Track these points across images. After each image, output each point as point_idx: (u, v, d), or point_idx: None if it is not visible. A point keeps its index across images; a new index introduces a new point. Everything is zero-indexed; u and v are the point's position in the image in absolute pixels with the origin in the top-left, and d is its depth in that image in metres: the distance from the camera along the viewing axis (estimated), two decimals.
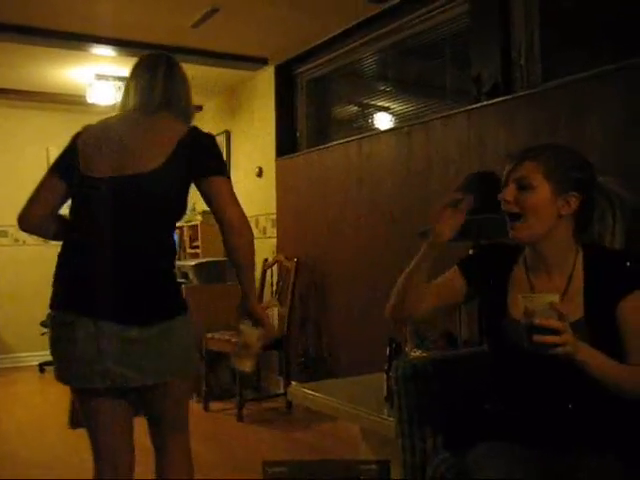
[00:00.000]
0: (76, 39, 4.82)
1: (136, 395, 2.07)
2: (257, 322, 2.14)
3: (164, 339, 1.98)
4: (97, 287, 1.95)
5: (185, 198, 2.11)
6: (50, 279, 2.11)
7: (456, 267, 1.95)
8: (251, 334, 2.12)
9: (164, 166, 1.97)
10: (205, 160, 2.05)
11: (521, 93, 3.26)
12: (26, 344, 6.55)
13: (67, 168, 2.10)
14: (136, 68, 2.21)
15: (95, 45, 4.91)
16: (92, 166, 2.03)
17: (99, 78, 5.63)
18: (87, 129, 2.19)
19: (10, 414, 4.95)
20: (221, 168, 2.09)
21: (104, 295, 1.93)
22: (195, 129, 2.10)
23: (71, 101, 6.27)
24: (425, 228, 2.70)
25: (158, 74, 2.13)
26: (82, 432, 2.15)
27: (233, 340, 4.61)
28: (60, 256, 2.10)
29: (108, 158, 2.01)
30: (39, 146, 6.74)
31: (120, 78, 5.63)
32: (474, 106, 3.48)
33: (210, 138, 2.12)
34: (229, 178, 2.09)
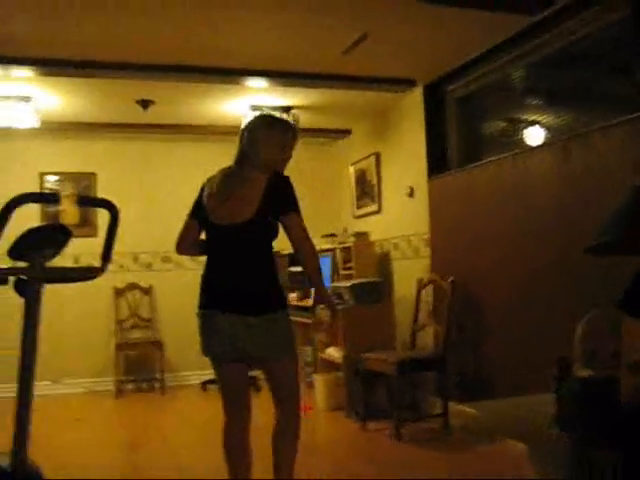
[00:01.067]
0: (232, 74, 5.09)
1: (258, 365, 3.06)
2: (327, 307, 3.06)
3: (271, 324, 2.86)
4: (228, 292, 2.90)
5: (276, 226, 2.96)
6: None
7: None
8: (323, 314, 3.06)
9: (256, 214, 2.88)
10: (283, 201, 2.95)
11: None
12: (189, 363, 6.91)
13: (198, 214, 3.10)
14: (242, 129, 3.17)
15: (249, 78, 5.15)
16: (214, 215, 2.99)
17: (254, 109, 5.89)
18: (209, 180, 3.18)
19: (177, 430, 5.24)
20: (296, 205, 2.96)
21: (233, 297, 2.88)
22: (274, 175, 3.01)
23: (229, 132, 6.60)
24: (593, 243, 2.61)
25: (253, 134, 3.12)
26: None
27: (374, 357, 4.65)
28: (204, 274, 3.02)
29: (222, 210, 2.96)
30: (200, 175, 7.14)
31: (274, 107, 5.88)
32: (638, 114, 3.33)
33: (286, 181, 3.04)
34: (300, 212, 2.96)
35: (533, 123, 4.68)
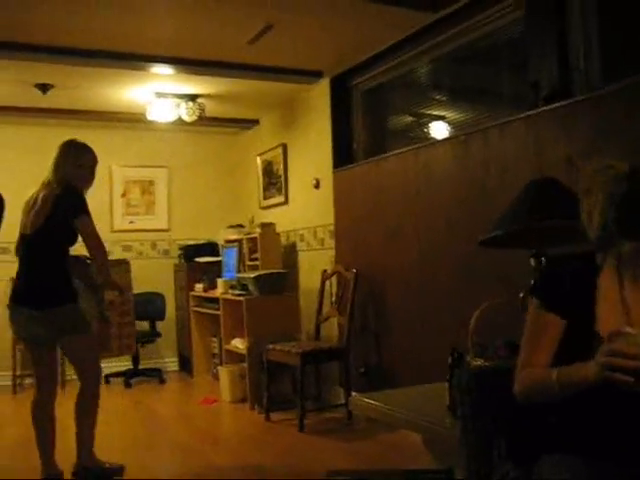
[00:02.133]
0: (136, 59, 4.96)
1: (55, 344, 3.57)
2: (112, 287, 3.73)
3: (57, 316, 3.40)
4: (22, 290, 3.50)
5: (68, 231, 3.47)
6: None
7: (545, 313, 1.77)
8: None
9: (45, 222, 3.46)
10: (71, 208, 3.48)
11: (580, 97, 3.21)
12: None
13: None
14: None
15: (154, 64, 5.03)
16: (21, 226, 3.60)
17: (159, 96, 5.78)
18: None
19: None
20: (82, 210, 3.48)
21: (24, 294, 3.47)
22: (64, 188, 3.54)
23: (132, 119, 6.45)
24: (485, 236, 2.70)
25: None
26: None
27: (279, 348, 4.68)
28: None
29: (25, 221, 3.57)
30: (102, 164, 6.93)
31: (179, 95, 5.78)
32: (532, 112, 3.45)
33: (72, 191, 3.55)
34: (88, 215, 3.49)
35: (437, 118, 4.78)
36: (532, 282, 1.92)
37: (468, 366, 2.53)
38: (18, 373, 6.31)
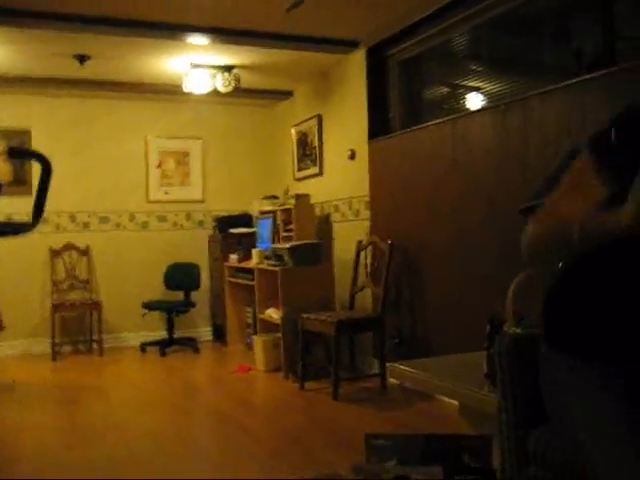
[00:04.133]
0: (173, 29, 4.97)
1: None
2: None
3: None
4: None
5: None
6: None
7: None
8: None
9: None
10: None
11: (625, 65, 3.15)
12: (127, 325, 6.87)
13: None
14: None
15: (191, 34, 5.04)
16: None
17: (194, 67, 5.79)
18: None
19: (116, 390, 5.21)
20: None
21: None
22: None
23: (168, 90, 6.48)
24: (527, 204, 2.68)
25: None
26: None
27: (314, 318, 4.72)
28: None
29: None
30: (138, 135, 7.03)
31: (215, 66, 5.79)
32: (574, 80, 3.39)
33: None
34: None
35: (474, 89, 4.73)
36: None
37: (506, 334, 2.53)
38: (57, 340, 6.46)
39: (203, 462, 3.54)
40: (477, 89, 4.70)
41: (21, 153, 2.30)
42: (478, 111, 4.33)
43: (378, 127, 5.34)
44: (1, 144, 2.25)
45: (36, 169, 6.20)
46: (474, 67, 4.82)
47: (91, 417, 4.42)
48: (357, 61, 5.50)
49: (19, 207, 4.92)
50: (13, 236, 2.47)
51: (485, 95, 4.56)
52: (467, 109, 4.62)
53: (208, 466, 3.48)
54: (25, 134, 6.57)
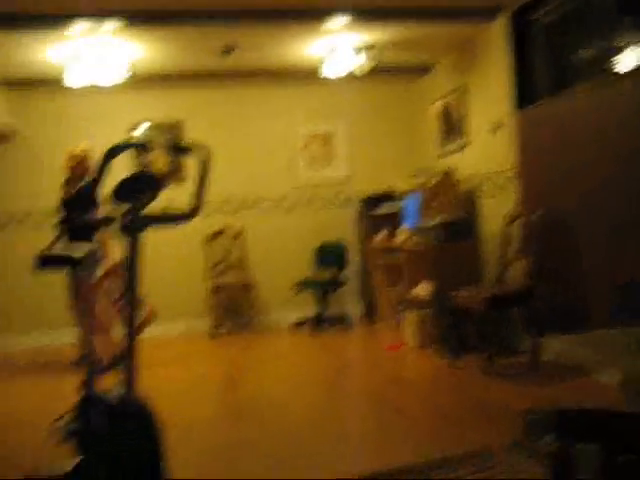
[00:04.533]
0: (312, 14, 5.07)
1: None
2: None
3: None
4: None
5: None
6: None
7: None
8: None
9: None
10: None
11: None
12: (280, 305, 7.12)
13: None
14: None
15: (330, 16, 5.10)
16: None
17: (333, 49, 5.86)
18: None
19: (273, 368, 5.44)
20: None
21: None
22: None
23: (309, 74, 6.61)
24: None
25: None
26: None
27: (463, 294, 4.66)
28: None
29: None
30: (283, 120, 7.24)
31: (355, 47, 5.83)
32: None
33: None
34: None
35: (626, 49, 4.46)
36: None
37: None
38: (215, 320, 6.82)
39: (359, 439, 3.62)
40: (630, 48, 4.42)
41: (184, 146, 2.46)
42: (633, 72, 4.09)
43: (524, 96, 5.17)
44: (161, 138, 2.42)
45: (190, 160, 6.58)
46: (627, 24, 4.54)
47: (250, 393, 4.65)
48: (499, 29, 5.35)
49: (174, 197, 5.21)
50: (174, 226, 2.63)
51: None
52: (620, 71, 4.36)
53: (363, 444, 3.56)
54: (179, 127, 6.94)
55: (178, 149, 2.39)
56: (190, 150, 2.34)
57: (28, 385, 5.12)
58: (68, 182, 5.36)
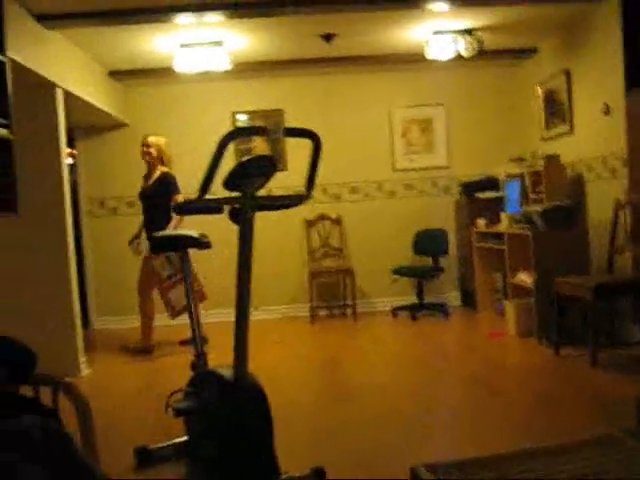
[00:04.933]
0: None
1: None
2: None
3: None
4: None
5: None
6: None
7: None
8: None
9: None
10: None
11: None
12: (379, 290, 7.15)
13: None
14: None
15: (430, 1, 5.05)
16: None
17: (436, 34, 5.80)
18: None
19: (371, 351, 5.48)
20: None
21: None
22: None
23: (410, 60, 6.57)
24: None
25: None
26: None
27: (569, 281, 4.53)
28: None
29: None
30: (382, 106, 7.23)
31: (456, 31, 5.75)
32: None
33: None
34: None
35: None
36: None
37: None
38: (314, 305, 6.92)
39: (459, 422, 3.63)
40: None
41: (294, 131, 2.50)
42: None
43: (634, 79, 4.96)
44: (267, 125, 2.48)
45: (290, 146, 6.69)
46: None
47: (352, 375, 4.72)
48: (608, 8, 5.14)
49: (276, 182, 5.31)
50: (286, 209, 2.69)
51: None
52: None
53: (464, 427, 3.57)
54: (280, 114, 7.05)
55: (293, 132, 2.42)
56: (303, 134, 2.38)
57: (138, 363, 5.37)
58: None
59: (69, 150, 6.04)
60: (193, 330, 3.13)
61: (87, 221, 7.18)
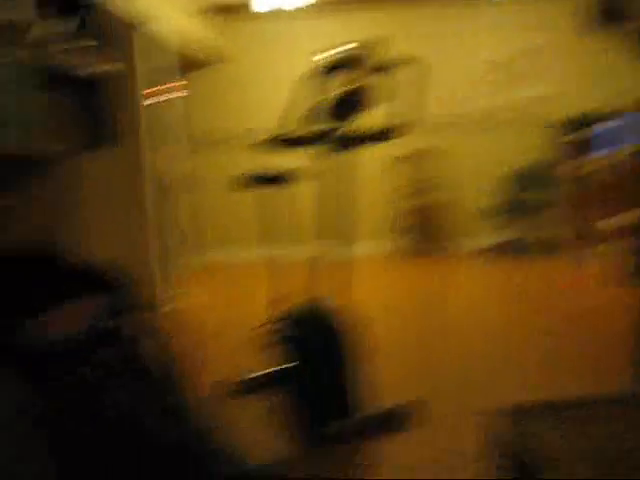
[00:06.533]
0: None
1: None
2: None
3: None
4: None
5: None
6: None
7: None
8: None
9: None
10: None
11: None
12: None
13: None
14: None
15: None
16: None
17: None
18: None
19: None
20: None
21: None
22: None
23: None
24: None
25: None
26: None
27: None
28: None
29: None
30: (487, 38, 6.96)
31: None
32: None
33: None
34: None
35: None
36: None
37: None
38: (407, 242, 6.88)
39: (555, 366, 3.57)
40: None
41: (400, 61, 2.47)
42: None
43: None
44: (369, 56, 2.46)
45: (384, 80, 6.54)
46: None
47: (445, 317, 4.70)
48: None
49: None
50: (387, 141, 2.67)
51: None
52: None
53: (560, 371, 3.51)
54: (381, 44, 6.85)
55: (393, 66, 2.40)
56: (408, 64, 2.37)
57: (239, 293, 5.55)
58: None
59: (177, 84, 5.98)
60: None
61: None
